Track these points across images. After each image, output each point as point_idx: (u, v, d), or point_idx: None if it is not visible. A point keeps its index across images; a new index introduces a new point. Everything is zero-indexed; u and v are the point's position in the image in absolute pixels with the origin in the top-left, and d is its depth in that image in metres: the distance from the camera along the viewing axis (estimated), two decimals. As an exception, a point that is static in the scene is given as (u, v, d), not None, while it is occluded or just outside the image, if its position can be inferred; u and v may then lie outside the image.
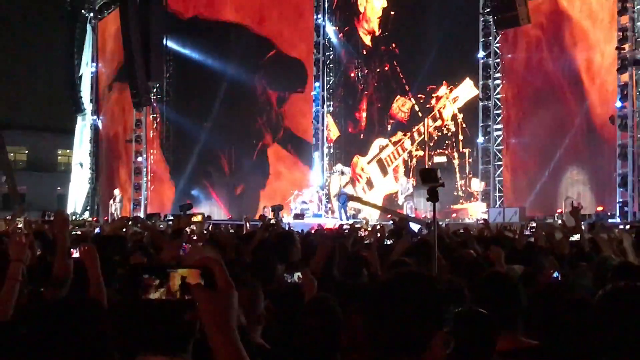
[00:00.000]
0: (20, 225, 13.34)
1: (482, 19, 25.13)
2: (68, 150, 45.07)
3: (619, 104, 20.50)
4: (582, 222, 10.55)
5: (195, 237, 9.29)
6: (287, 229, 15.17)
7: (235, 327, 2.13)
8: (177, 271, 2.17)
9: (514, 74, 24.80)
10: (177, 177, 33.49)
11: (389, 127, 28.77)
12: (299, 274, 5.25)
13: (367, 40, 29.89)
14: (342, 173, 28.62)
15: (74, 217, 32.66)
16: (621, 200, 20.26)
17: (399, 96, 28.43)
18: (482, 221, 18.19)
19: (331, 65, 31.23)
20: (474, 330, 3.35)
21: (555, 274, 6.30)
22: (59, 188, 45.02)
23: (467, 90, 26.24)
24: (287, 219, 24.70)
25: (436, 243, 4.85)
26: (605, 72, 21.35)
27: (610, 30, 20.97)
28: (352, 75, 30.52)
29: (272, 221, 12.18)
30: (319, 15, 31.04)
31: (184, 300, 2.17)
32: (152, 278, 2.18)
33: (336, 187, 28.34)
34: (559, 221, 17.02)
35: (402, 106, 28.35)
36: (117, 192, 31.02)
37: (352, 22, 30.42)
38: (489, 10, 23.28)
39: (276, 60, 31.48)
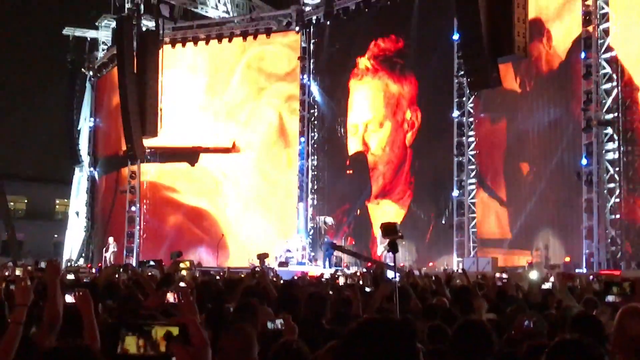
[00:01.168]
0: (18, 273, 13.18)
1: (456, 81, 25.52)
2: (65, 200, 44.85)
3: (584, 161, 20.68)
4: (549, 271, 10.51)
5: (183, 284, 9.19)
6: (271, 275, 15.15)
7: None
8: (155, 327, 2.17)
9: (486, 131, 25.03)
10: (170, 225, 33.30)
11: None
12: (281, 320, 5.19)
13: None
14: (325, 223, 28.59)
15: (69, 264, 32.43)
16: (587, 251, 20.31)
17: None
18: (460, 271, 18.26)
19: (316, 122, 31.56)
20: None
21: (526, 322, 6.27)
22: (55, 236, 44.71)
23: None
24: (272, 266, 24.61)
25: (397, 290, 4.90)
26: (572, 130, 21.56)
27: (577, 91, 21.24)
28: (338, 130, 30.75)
29: (257, 268, 12.11)
30: (304, 76, 31.51)
31: (162, 354, 2.16)
32: (132, 333, 2.16)
33: (320, 237, 28.34)
34: (530, 274, 17.00)
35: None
36: (111, 240, 30.82)
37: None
38: (462, 73, 23.57)
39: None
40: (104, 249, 30.08)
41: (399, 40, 28.44)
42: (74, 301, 4.56)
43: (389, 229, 5.12)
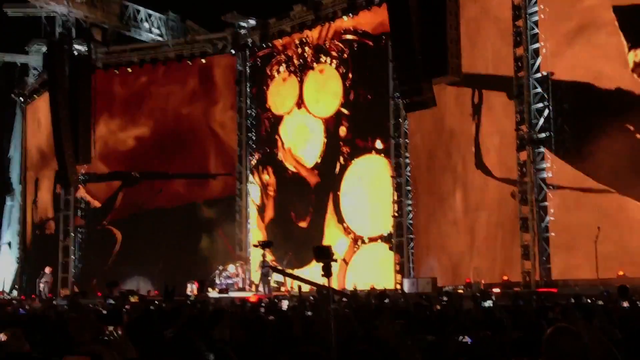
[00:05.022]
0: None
1: (392, 102, 25.87)
2: (-4, 231, 43.84)
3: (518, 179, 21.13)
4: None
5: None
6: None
7: None
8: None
9: (421, 152, 25.37)
10: (105, 255, 32.72)
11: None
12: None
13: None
14: (265, 247, 28.41)
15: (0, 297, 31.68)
16: (525, 270, 20.67)
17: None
18: (400, 292, 18.60)
19: (254, 146, 31.59)
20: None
21: (468, 339, 6.37)
22: (-14, 268, 43.62)
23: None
24: (212, 294, 24.52)
25: (333, 318, 4.92)
26: (506, 150, 21.98)
27: (509, 112, 21.70)
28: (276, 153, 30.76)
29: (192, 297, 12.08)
30: (241, 98, 31.60)
31: None
32: None
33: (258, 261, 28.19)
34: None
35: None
36: (47, 270, 30.19)
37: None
38: (398, 94, 23.89)
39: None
40: (38, 279, 29.45)
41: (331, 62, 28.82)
42: (5, 339, 4.49)
43: (321, 252, 5.09)
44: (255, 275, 28.21)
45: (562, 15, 20.80)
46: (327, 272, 4.97)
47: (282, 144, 30.14)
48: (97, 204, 33.21)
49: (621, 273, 17.89)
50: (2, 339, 4.54)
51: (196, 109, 32.56)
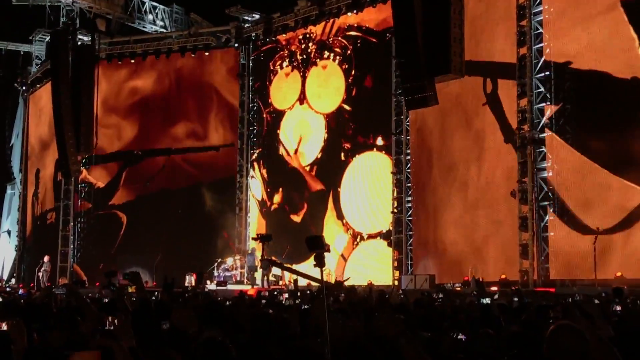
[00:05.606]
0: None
1: (394, 99, 25.85)
2: (-4, 219, 43.87)
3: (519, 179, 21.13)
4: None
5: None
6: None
7: None
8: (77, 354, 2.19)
9: (422, 150, 25.35)
10: (104, 244, 32.74)
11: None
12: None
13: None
14: (264, 240, 28.40)
15: (-1, 285, 31.75)
16: (523, 269, 20.69)
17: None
18: (400, 291, 18.69)
19: (255, 139, 31.58)
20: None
21: (462, 336, 6.40)
22: (-14, 255, 43.64)
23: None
24: (210, 286, 24.50)
25: (327, 311, 4.91)
26: (507, 150, 21.98)
27: (510, 113, 21.70)
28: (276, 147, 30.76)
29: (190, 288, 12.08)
30: (244, 92, 31.59)
31: None
32: None
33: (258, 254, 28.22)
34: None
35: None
36: (46, 259, 30.18)
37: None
38: (400, 91, 23.88)
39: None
40: (37, 268, 29.48)
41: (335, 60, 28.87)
42: (6, 329, 4.48)
43: (314, 242, 5.03)
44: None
45: (567, 14, 20.76)
46: (319, 262, 4.92)
47: (287, 151, 30.15)
48: (100, 184, 33.23)
49: (619, 274, 17.88)
50: (3, 329, 4.53)
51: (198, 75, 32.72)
